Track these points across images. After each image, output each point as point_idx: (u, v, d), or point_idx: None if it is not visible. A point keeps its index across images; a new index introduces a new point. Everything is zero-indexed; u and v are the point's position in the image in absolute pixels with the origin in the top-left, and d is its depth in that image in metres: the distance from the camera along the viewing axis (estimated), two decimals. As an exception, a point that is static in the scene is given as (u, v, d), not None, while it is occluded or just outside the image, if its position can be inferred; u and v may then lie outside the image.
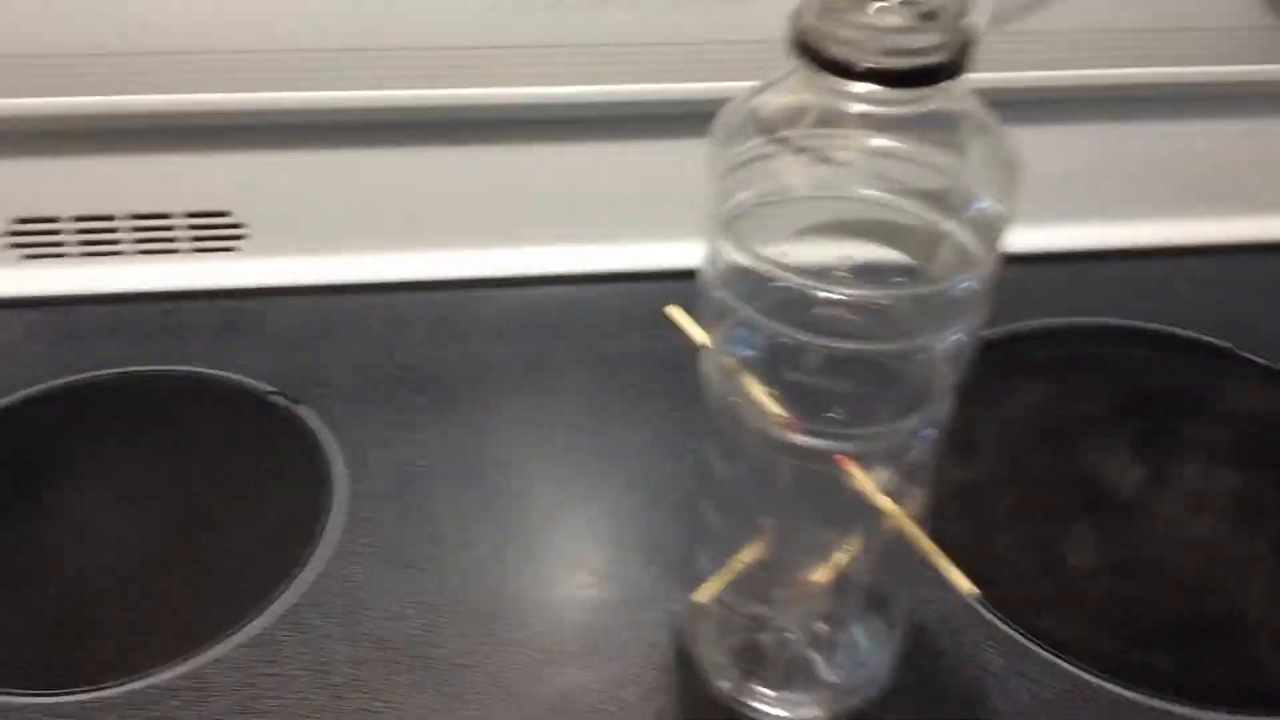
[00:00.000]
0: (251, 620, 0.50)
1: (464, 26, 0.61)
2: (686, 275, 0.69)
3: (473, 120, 0.66)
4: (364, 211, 0.68)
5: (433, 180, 0.68)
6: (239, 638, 0.49)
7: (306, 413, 0.60)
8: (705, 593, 0.42)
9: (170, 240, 0.68)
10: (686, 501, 0.56)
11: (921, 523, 0.40)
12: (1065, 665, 0.49)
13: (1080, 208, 0.74)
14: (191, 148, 0.65)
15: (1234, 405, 0.65)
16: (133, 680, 0.47)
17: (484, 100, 0.64)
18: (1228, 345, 0.68)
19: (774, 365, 0.37)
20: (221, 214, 0.67)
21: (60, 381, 0.62)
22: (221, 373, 0.62)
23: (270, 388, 0.61)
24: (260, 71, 0.62)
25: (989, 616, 0.51)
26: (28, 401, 0.61)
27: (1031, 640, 0.50)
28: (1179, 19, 0.67)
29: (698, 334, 0.43)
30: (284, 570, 0.52)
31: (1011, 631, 0.51)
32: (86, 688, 0.47)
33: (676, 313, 0.44)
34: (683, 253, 0.70)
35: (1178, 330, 0.69)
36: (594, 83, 0.64)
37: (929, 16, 0.31)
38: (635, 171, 0.69)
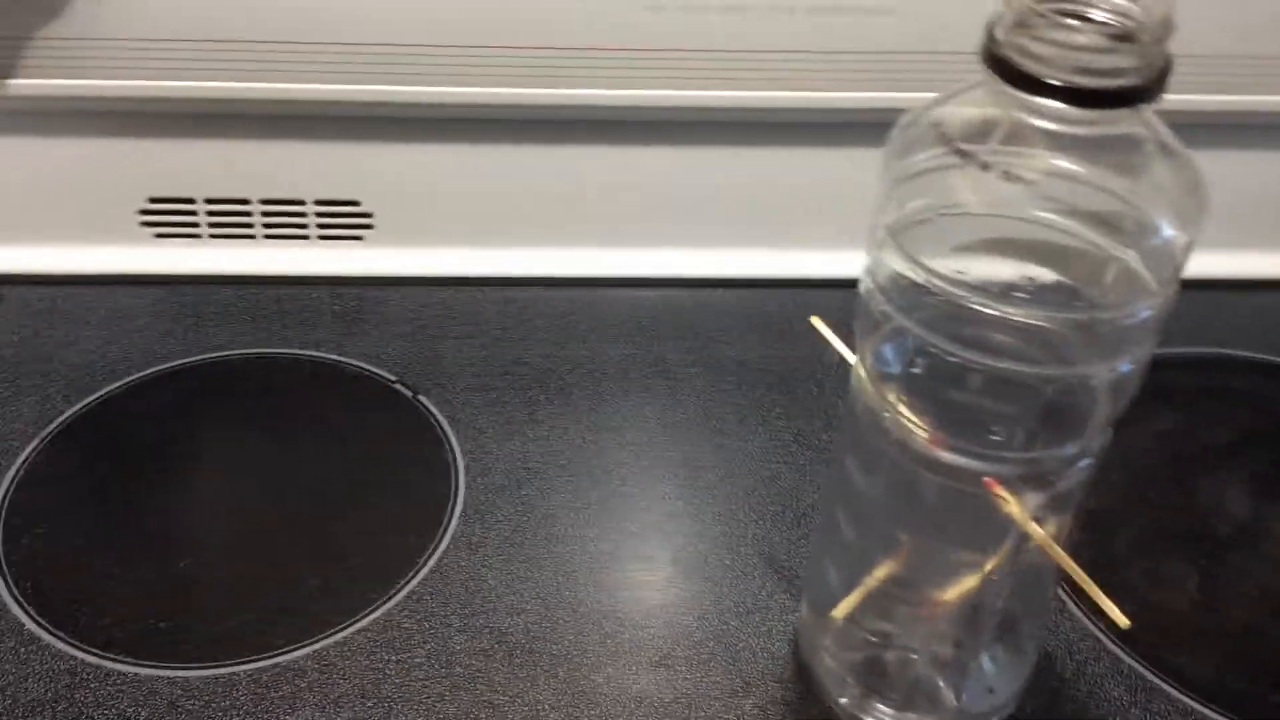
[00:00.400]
0: (375, 606, 0.50)
1: (603, 27, 0.62)
2: (812, 285, 0.70)
3: (605, 120, 0.66)
4: (490, 206, 0.69)
5: (560, 178, 0.68)
6: (362, 622, 0.49)
7: (428, 403, 0.61)
8: (843, 609, 0.41)
9: (299, 227, 0.69)
10: (809, 513, 0.56)
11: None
12: (1192, 703, 0.48)
13: (1225, 235, 0.72)
14: (326, 137, 0.66)
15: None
16: (259, 659, 0.48)
17: (617, 101, 0.64)
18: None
19: (927, 381, 0.37)
20: (351, 203, 0.68)
21: (188, 360, 0.63)
22: (346, 360, 0.63)
23: (393, 377, 0.62)
24: (396, 65, 0.62)
25: (1115, 649, 0.50)
26: (156, 378, 0.62)
27: (1159, 676, 0.49)
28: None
29: (841, 346, 0.43)
30: (406, 558, 0.52)
31: (1138, 666, 0.50)
32: (214, 664, 0.48)
33: (820, 324, 0.44)
34: (810, 263, 0.70)
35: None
36: (734, 89, 0.64)
37: (1126, 38, 0.30)
38: (766, 179, 0.69)
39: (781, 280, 0.70)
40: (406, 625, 0.49)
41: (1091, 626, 0.51)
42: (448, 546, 0.53)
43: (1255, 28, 0.64)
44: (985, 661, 0.46)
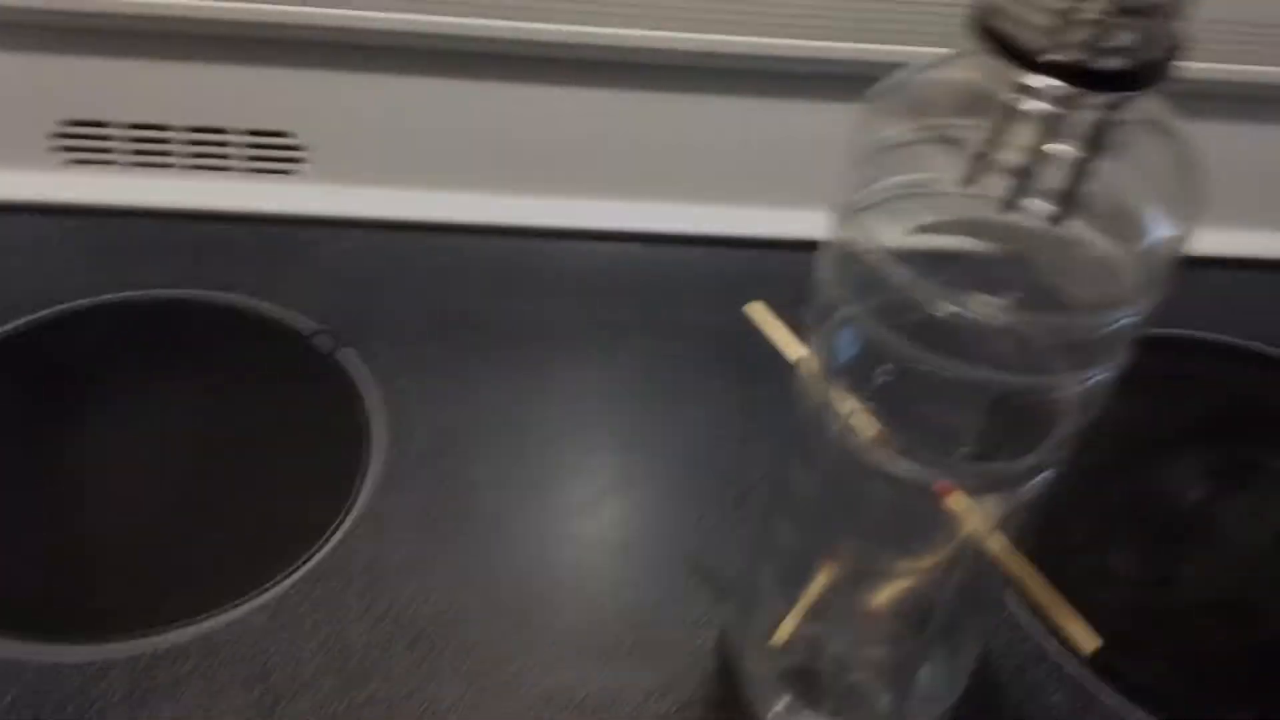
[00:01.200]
0: (271, 584, 0.46)
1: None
2: (773, 245, 0.65)
3: (555, 59, 0.61)
4: (433, 146, 0.64)
5: (509, 119, 0.63)
6: (255, 603, 0.45)
7: (350, 357, 0.56)
8: (783, 632, 0.38)
9: (225, 157, 0.64)
10: (750, 493, 0.52)
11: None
12: (1135, 711, 0.45)
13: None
14: (257, 62, 0.61)
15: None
16: (140, 637, 0.44)
17: (568, 38, 0.59)
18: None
19: (881, 380, 0.33)
20: (282, 134, 0.63)
21: (96, 299, 0.58)
22: (266, 305, 0.58)
23: (315, 327, 0.57)
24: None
25: (1056, 653, 0.47)
26: (58, 318, 0.57)
27: (1101, 681, 0.46)
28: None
29: (781, 337, 0.39)
30: (310, 531, 0.48)
31: (1079, 671, 0.46)
32: (90, 642, 0.43)
33: (759, 311, 0.39)
34: (770, 222, 0.66)
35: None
36: (704, 31, 0.59)
37: (1135, 12, 0.26)
38: (726, 129, 0.64)
39: (740, 239, 0.66)
40: (302, 607, 0.45)
41: (1033, 629, 0.48)
42: (355, 520, 0.49)
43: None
44: (923, 667, 0.43)
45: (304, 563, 0.47)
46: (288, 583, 0.46)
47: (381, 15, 0.58)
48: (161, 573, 0.46)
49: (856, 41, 0.59)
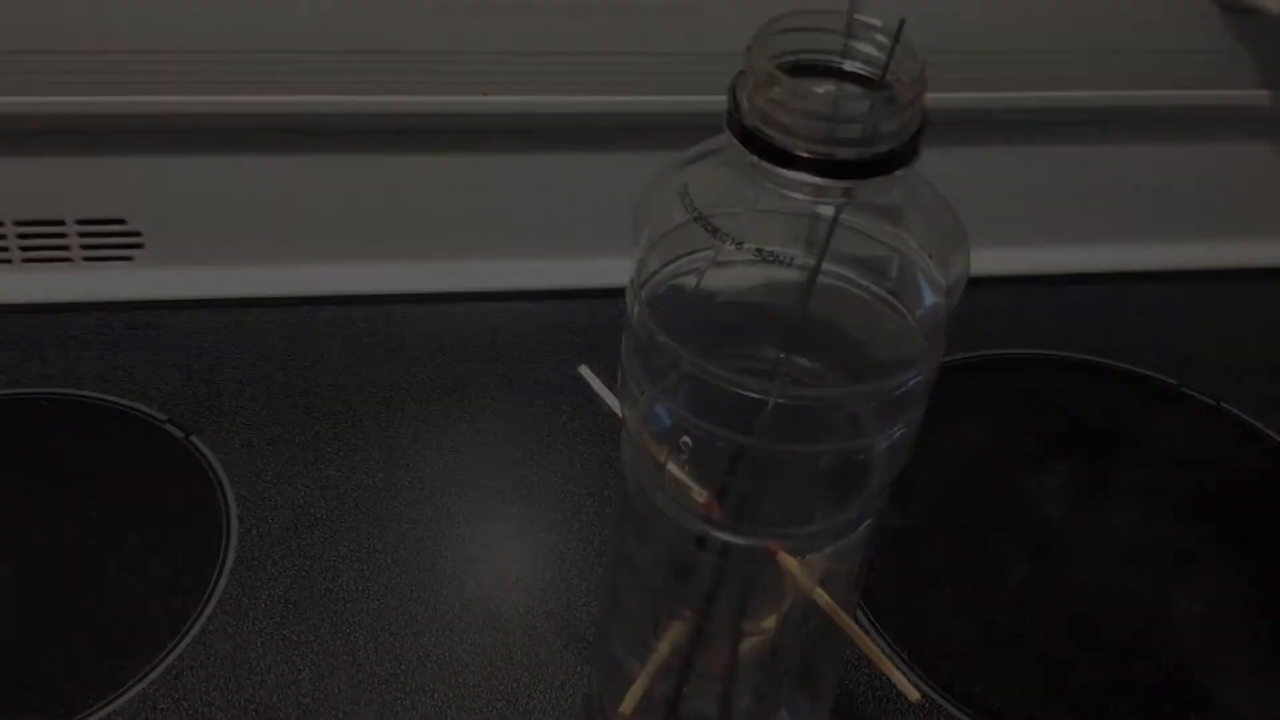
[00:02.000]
0: (128, 686, 0.46)
1: (383, 31, 0.57)
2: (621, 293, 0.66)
3: (390, 128, 0.61)
4: (270, 221, 0.64)
5: (346, 189, 0.63)
6: (112, 705, 0.45)
7: (201, 444, 0.56)
8: (629, 702, 0.39)
9: (61, 248, 0.63)
10: (603, 557, 0.53)
11: (853, 608, 0.38)
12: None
13: (1027, 230, 0.72)
14: (86, 151, 0.60)
15: (1178, 448, 0.63)
16: (-9, 756, 0.43)
17: (399, 108, 0.60)
18: (1174, 383, 0.66)
19: (692, 457, 0.34)
20: (116, 221, 0.63)
21: (-66, 401, 0.57)
22: (111, 398, 0.58)
23: (163, 416, 0.57)
24: (160, 72, 0.57)
25: (916, 681, 0.49)
26: (-103, 423, 0.56)
27: (962, 710, 0.48)
28: (1131, 41, 0.65)
29: (612, 401, 0.40)
30: (166, 627, 0.48)
31: (941, 700, 0.48)
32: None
33: (589, 374, 0.40)
34: (618, 271, 0.67)
35: (1125, 365, 0.66)
36: (521, 93, 0.60)
37: (879, 99, 0.27)
38: (568, 184, 0.65)
39: (595, 290, 0.67)
40: (163, 706, 0.45)
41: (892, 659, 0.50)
42: (214, 611, 0.49)
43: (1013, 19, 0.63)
44: (783, 712, 0.44)
45: (163, 658, 0.47)
46: (145, 682, 0.46)
47: (206, 99, 0.58)
48: (13, 681, 0.46)
49: (682, 94, 0.60)
